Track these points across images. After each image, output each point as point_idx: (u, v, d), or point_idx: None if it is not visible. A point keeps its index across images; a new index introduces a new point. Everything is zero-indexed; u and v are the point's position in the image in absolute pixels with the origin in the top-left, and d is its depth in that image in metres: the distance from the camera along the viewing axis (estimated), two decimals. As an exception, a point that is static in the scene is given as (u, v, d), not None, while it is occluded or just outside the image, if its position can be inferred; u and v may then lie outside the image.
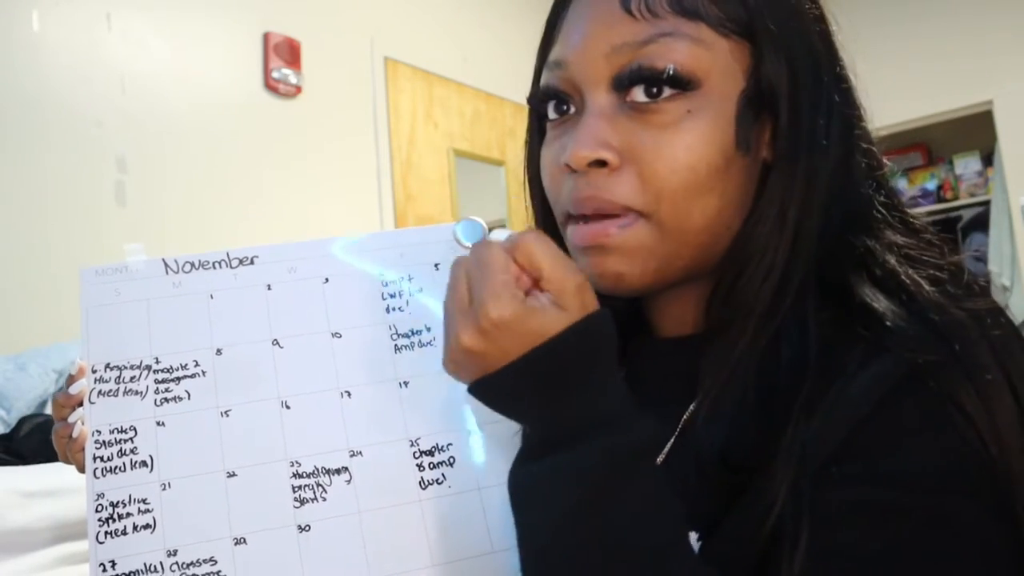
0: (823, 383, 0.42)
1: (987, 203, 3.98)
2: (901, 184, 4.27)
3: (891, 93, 3.69)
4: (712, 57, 0.47)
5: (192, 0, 2.33)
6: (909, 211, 0.53)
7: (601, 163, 0.48)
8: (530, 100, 0.56)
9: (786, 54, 0.48)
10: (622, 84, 0.48)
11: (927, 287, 0.45)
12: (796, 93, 0.49)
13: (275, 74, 2.48)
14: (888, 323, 0.43)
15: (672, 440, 0.51)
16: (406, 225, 2.82)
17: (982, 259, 3.79)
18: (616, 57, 0.48)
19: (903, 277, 0.45)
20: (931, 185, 4.22)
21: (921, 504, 0.39)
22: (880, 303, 0.44)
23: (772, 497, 0.41)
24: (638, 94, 0.48)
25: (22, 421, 1.49)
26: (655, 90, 0.47)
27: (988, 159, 4.01)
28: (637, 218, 0.48)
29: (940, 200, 4.20)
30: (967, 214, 4.19)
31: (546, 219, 0.57)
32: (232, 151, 2.36)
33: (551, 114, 0.53)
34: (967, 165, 4.13)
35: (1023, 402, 0.42)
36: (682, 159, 0.47)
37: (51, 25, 2.00)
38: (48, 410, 1.65)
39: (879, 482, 0.40)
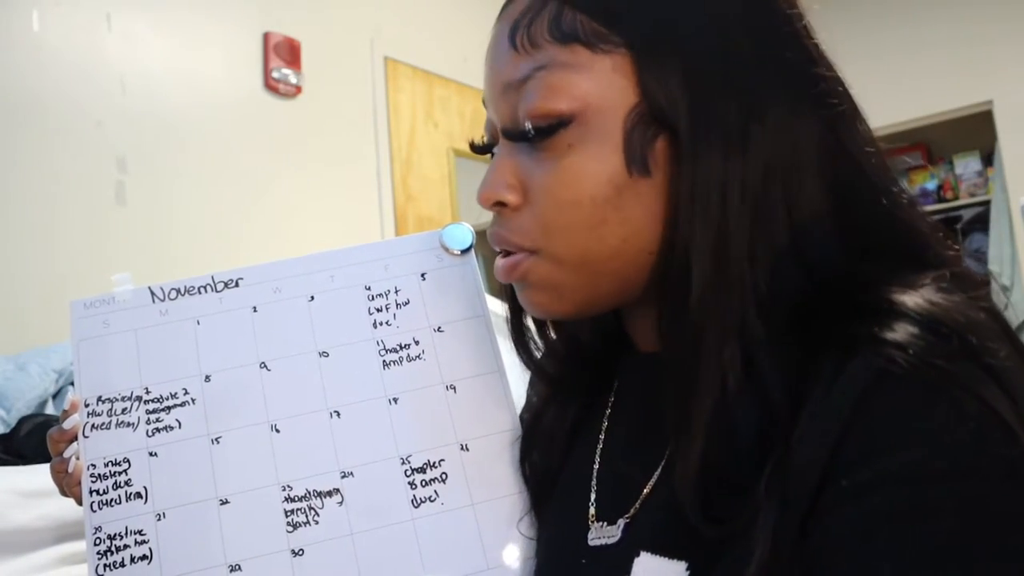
0: (795, 407, 0.39)
1: (987, 203, 3.97)
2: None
3: (891, 93, 3.71)
4: (590, 79, 0.44)
5: (192, 0, 2.32)
6: (919, 211, 0.47)
7: (502, 204, 0.49)
8: (477, 151, 0.55)
9: (681, 57, 0.43)
10: (509, 138, 0.49)
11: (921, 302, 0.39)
12: (695, 96, 0.43)
13: (275, 74, 2.47)
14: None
15: (659, 469, 0.48)
16: (406, 224, 2.81)
17: (982, 259, 3.78)
18: (506, 98, 0.48)
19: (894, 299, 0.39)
20: (931, 185, 4.21)
21: (952, 491, 0.34)
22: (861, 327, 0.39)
23: (759, 539, 0.37)
24: None
25: (22, 421, 1.49)
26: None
27: (988, 159, 4.00)
28: (530, 254, 0.48)
29: (940, 200, 4.18)
30: (967, 214, 4.18)
31: None
32: (232, 151, 2.35)
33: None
34: (967, 165, 4.11)
35: None
36: (564, 196, 0.45)
37: (51, 25, 2.00)
38: (48, 409, 1.65)
39: (898, 481, 0.35)
